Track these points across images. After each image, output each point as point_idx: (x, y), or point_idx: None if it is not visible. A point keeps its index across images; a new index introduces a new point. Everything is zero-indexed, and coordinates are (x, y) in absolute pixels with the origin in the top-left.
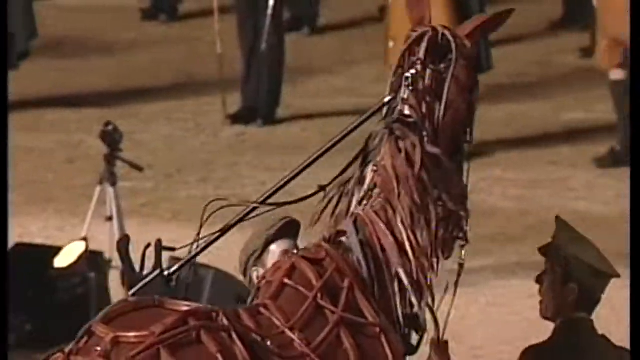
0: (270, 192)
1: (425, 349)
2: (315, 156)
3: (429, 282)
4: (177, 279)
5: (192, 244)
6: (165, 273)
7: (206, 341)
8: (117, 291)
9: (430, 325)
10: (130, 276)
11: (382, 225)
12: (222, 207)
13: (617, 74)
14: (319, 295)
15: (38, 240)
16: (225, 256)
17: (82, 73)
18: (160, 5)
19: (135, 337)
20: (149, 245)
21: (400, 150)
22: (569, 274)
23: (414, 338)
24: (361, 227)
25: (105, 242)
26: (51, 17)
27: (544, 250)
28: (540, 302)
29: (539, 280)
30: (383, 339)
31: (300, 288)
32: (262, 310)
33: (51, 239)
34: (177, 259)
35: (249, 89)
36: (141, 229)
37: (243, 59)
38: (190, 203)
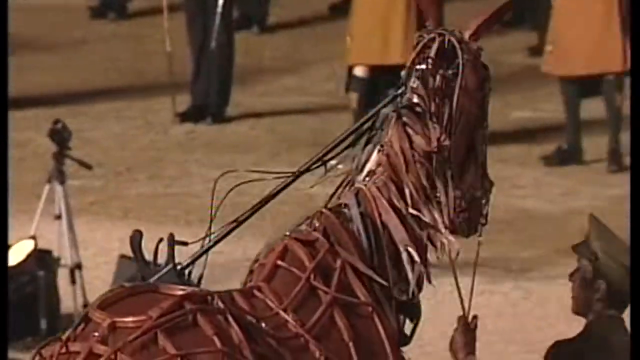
0: (279, 189)
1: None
2: (325, 151)
3: (428, 260)
4: (189, 274)
5: (205, 238)
6: (178, 267)
7: (202, 324)
8: (65, 290)
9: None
10: (143, 270)
11: (384, 201)
12: (240, 184)
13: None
14: (311, 276)
15: None
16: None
17: (31, 71)
18: (108, 4)
19: (133, 321)
20: (161, 239)
21: (408, 135)
22: (597, 270)
23: (408, 333)
24: (362, 200)
25: (54, 241)
26: None
27: (576, 248)
28: (572, 298)
29: (571, 277)
30: (376, 319)
31: (293, 269)
32: (256, 292)
33: None
34: (127, 257)
35: (198, 87)
36: (90, 227)
37: (192, 57)
38: (140, 201)
